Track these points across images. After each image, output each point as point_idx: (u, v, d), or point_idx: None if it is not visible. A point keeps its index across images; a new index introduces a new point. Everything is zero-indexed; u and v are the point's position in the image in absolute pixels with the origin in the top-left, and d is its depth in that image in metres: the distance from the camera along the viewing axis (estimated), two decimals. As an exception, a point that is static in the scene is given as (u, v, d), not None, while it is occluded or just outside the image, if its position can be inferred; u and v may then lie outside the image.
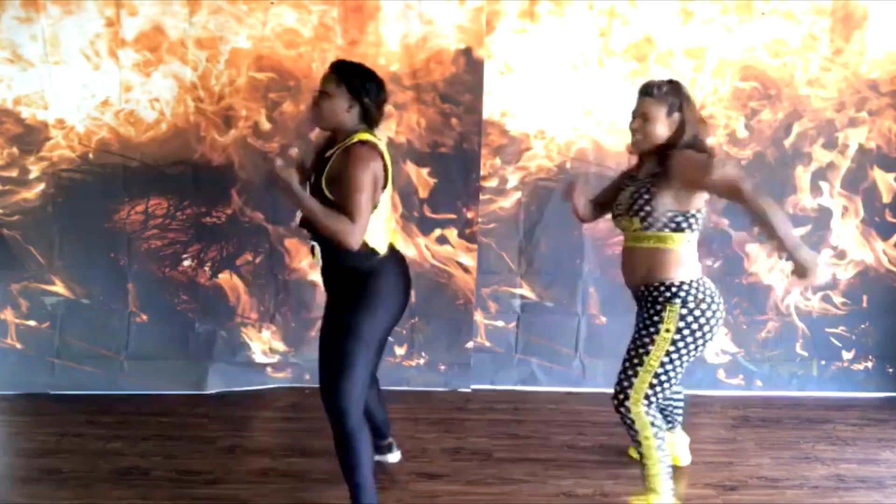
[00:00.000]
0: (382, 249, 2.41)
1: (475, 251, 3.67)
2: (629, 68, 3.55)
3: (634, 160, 2.62)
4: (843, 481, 2.93)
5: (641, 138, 2.46)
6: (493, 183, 3.65)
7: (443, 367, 3.77)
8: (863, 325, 3.82)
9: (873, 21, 3.55)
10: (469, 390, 3.76)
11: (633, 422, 2.50)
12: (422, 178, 3.61)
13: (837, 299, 3.81)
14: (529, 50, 3.52)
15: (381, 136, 2.54)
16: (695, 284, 2.44)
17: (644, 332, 2.48)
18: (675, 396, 2.93)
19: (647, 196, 2.43)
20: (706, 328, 2.44)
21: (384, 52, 3.47)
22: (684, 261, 2.44)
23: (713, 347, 3.79)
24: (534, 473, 2.92)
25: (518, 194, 3.67)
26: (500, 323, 3.78)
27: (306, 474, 2.87)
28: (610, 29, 3.52)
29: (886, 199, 3.73)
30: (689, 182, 2.36)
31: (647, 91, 2.45)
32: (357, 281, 2.38)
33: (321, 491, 2.76)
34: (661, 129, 2.42)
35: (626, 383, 2.50)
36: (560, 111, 3.58)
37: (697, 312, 2.42)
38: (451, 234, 3.66)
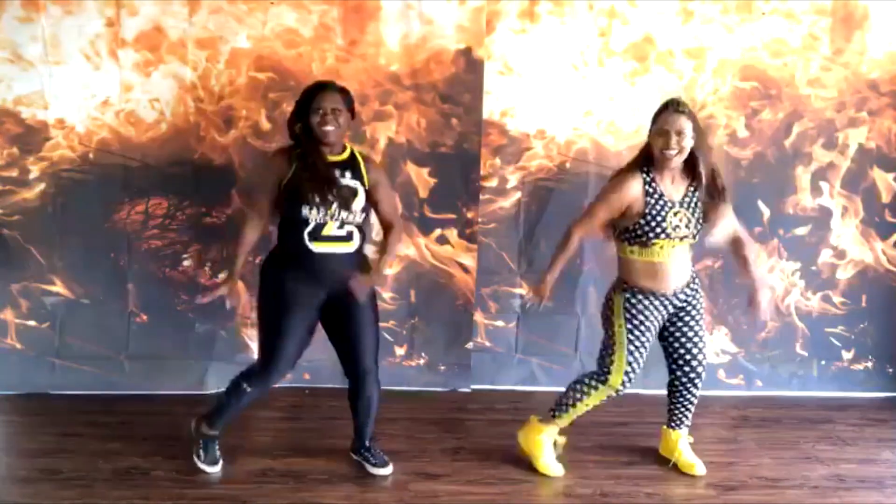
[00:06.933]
0: None
1: (475, 251, 3.67)
2: (629, 68, 3.55)
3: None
4: (843, 481, 2.93)
5: (678, 153, 2.64)
6: (493, 183, 3.65)
7: (443, 368, 3.77)
8: (862, 325, 3.82)
9: (873, 21, 3.56)
10: (469, 390, 3.76)
11: None
12: (422, 178, 3.61)
13: (837, 299, 3.81)
14: (529, 50, 3.53)
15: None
16: None
17: (699, 320, 2.85)
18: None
19: (700, 214, 2.76)
20: None
21: (384, 52, 3.47)
22: None
23: (713, 347, 3.80)
24: (534, 473, 2.92)
25: (518, 194, 3.67)
26: (500, 323, 3.78)
27: (306, 474, 2.87)
28: (610, 29, 3.52)
29: (886, 198, 3.73)
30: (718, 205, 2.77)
31: (681, 109, 2.63)
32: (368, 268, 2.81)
33: (321, 491, 2.76)
34: (691, 142, 2.64)
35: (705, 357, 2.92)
36: (560, 111, 3.59)
37: None
38: (451, 234, 3.66)
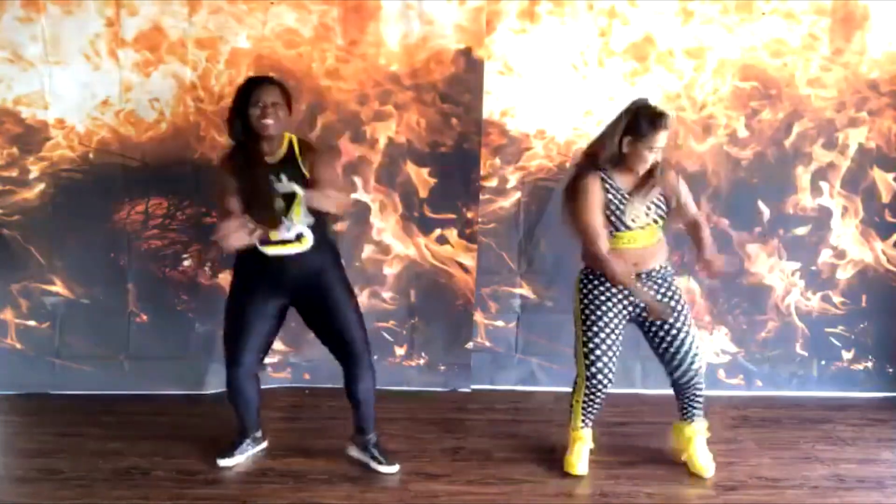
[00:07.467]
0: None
1: (475, 251, 3.67)
2: (629, 68, 3.55)
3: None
4: (843, 481, 2.93)
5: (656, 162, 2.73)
6: (493, 183, 3.65)
7: (443, 368, 3.77)
8: (862, 325, 3.82)
9: (873, 21, 3.55)
10: (469, 390, 3.76)
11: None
12: (422, 178, 3.61)
13: (837, 299, 3.80)
14: (529, 50, 3.52)
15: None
16: None
17: (683, 305, 2.84)
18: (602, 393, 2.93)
19: (658, 202, 2.79)
20: None
21: (384, 52, 3.47)
22: None
23: (713, 347, 3.80)
24: (534, 473, 2.93)
25: (518, 194, 3.67)
26: (500, 323, 3.78)
27: (306, 474, 2.88)
28: (610, 29, 3.51)
29: (886, 198, 3.73)
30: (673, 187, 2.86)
31: (668, 125, 2.68)
32: (336, 252, 2.89)
33: (321, 491, 2.77)
34: None
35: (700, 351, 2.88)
36: (560, 111, 3.58)
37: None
38: (451, 234, 3.66)
